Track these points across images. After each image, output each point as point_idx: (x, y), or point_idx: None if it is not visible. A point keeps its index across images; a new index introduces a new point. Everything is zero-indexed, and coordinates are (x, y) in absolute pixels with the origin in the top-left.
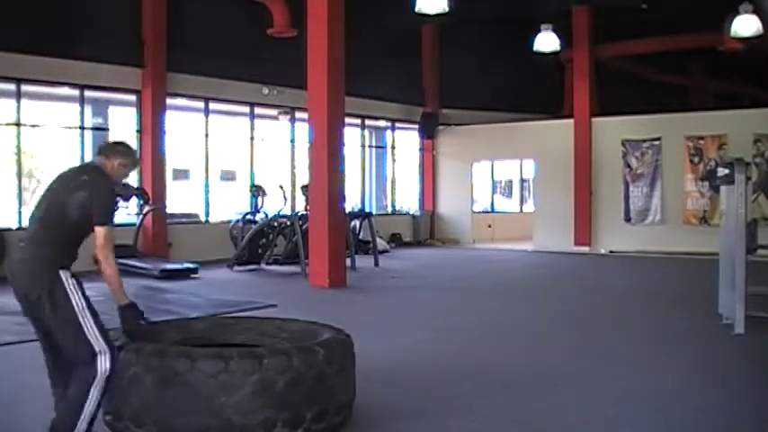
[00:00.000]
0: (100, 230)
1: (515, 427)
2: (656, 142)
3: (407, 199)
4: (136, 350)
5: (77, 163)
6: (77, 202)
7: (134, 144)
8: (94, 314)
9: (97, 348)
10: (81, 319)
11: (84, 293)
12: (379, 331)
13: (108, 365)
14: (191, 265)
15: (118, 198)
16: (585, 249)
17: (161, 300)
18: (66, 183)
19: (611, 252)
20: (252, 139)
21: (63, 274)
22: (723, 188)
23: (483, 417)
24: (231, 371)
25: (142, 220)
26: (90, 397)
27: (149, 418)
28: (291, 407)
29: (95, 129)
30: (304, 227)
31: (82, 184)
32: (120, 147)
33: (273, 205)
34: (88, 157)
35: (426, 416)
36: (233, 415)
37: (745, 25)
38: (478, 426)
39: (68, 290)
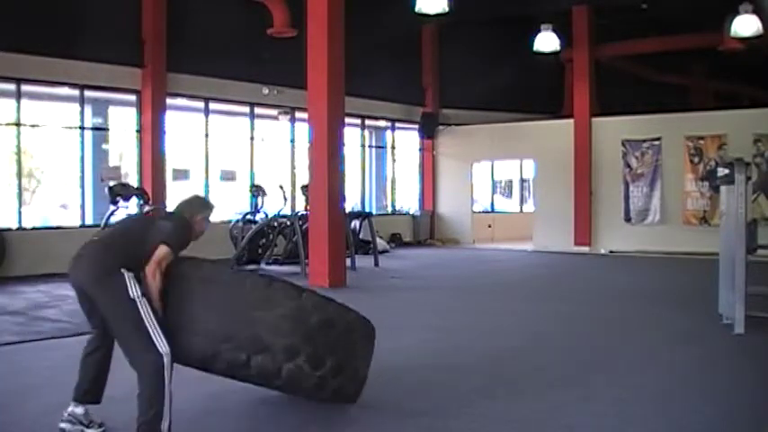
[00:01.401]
0: (162, 249)
1: (515, 426)
2: (656, 142)
3: (407, 199)
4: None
5: (78, 164)
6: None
7: (134, 144)
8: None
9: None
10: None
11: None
12: (379, 331)
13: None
14: None
15: (118, 198)
16: (585, 249)
17: None
18: (149, 220)
19: (611, 252)
20: (252, 139)
21: (125, 273)
22: (723, 188)
23: (483, 416)
24: (274, 289)
25: None
26: (166, 375)
27: (188, 309)
28: (317, 346)
29: (95, 129)
30: (304, 227)
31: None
32: (197, 201)
33: (273, 205)
34: (88, 157)
35: (427, 415)
36: (263, 330)
37: (745, 25)
38: (479, 425)
39: (128, 284)
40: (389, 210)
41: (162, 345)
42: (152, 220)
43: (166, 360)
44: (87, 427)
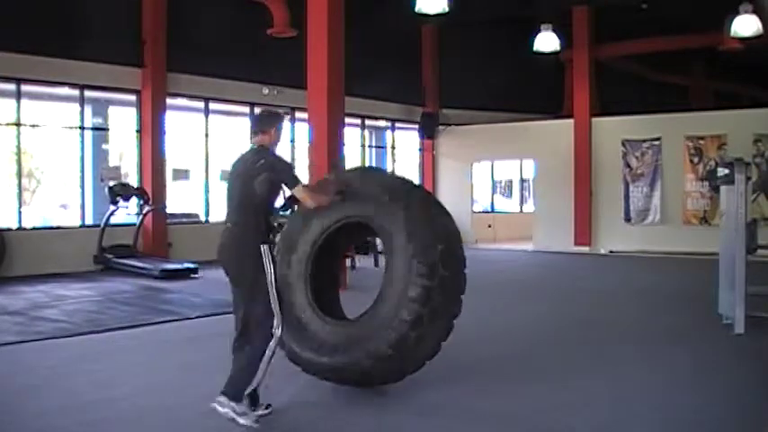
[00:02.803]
0: (297, 189)
1: (515, 426)
2: (656, 142)
3: None
4: None
5: (78, 164)
6: (263, 182)
7: (134, 144)
8: (277, 287)
9: (276, 320)
10: (270, 289)
11: (275, 267)
12: None
13: (279, 331)
14: (191, 265)
15: (118, 198)
16: (586, 249)
17: (161, 300)
18: (247, 170)
19: (611, 252)
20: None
21: (263, 248)
22: (723, 188)
23: (483, 416)
24: None
25: (142, 220)
26: (269, 353)
27: None
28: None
29: (95, 129)
30: None
31: (262, 167)
32: (266, 118)
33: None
34: (88, 157)
35: (427, 415)
36: None
37: (745, 25)
38: (479, 425)
39: (265, 262)
40: None
41: (277, 324)
42: (253, 178)
43: (273, 343)
44: (237, 414)
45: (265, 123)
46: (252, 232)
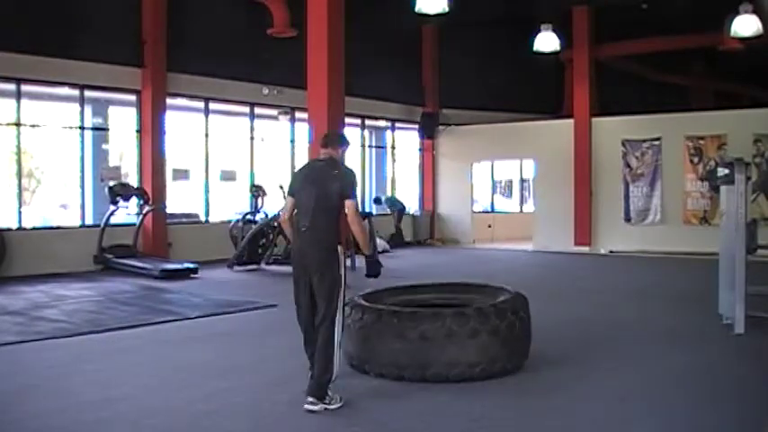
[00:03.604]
0: (351, 203)
1: (515, 426)
2: (656, 142)
3: (407, 199)
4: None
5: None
6: (336, 191)
7: (134, 144)
8: (345, 284)
9: (339, 315)
10: (340, 288)
11: (345, 266)
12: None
13: (343, 320)
14: (191, 265)
15: (118, 198)
16: (586, 249)
17: (161, 300)
18: (323, 177)
19: (611, 252)
20: (252, 139)
21: (339, 249)
22: (723, 188)
23: (483, 415)
24: None
25: (142, 220)
26: (336, 347)
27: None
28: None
29: (95, 129)
30: None
31: (335, 177)
32: (338, 137)
33: (273, 205)
34: (88, 157)
35: (427, 414)
36: None
37: (745, 25)
38: (477, 424)
39: (341, 262)
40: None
41: (338, 323)
42: (329, 185)
43: (341, 333)
44: (329, 404)
45: (336, 142)
46: (332, 234)
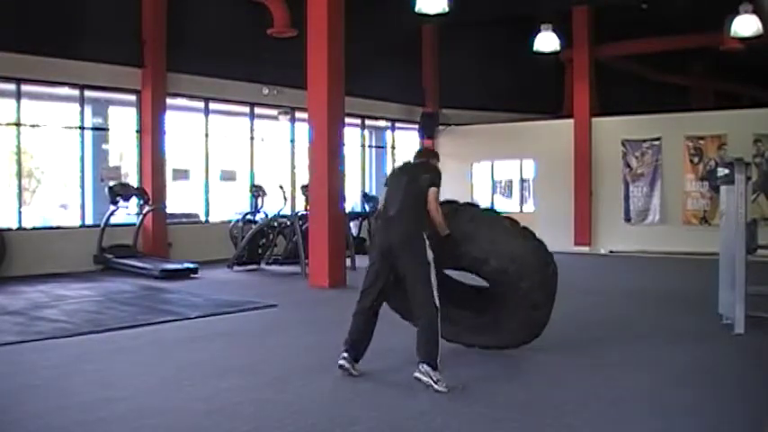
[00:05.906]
0: (434, 191)
1: (514, 426)
2: (656, 142)
3: None
4: None
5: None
6: (425, 181)
7: (134, 144)
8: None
9: (436, 294)
10: (431, 269)
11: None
12: (379, 331)
13: (438, 303)
14: (191, 265)
15: (118, 198)
16: (585, 249)
17: (161, 300)
18: (415, 172)
19: (611, 252)
20: (252, 139)
21: (425, 234)
22: (723, 188)
23: (482, 415)
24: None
25: (142, 220)
26: (439, 324)
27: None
28: (542, 276)
29: (95, 129)
30: (304, 227)
31: (425, 170)
32: (431, 153)
33: (273, 205)
34: (88, 157)
35: (427, 414)
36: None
37: (745, 25)
38: (478, 425)
39: (427, 246)
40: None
41: (437, 300)
42: (417, 180)
43: (439, 313)
44: (436, 383)
45: (431, 156)
46: (419, 221)
